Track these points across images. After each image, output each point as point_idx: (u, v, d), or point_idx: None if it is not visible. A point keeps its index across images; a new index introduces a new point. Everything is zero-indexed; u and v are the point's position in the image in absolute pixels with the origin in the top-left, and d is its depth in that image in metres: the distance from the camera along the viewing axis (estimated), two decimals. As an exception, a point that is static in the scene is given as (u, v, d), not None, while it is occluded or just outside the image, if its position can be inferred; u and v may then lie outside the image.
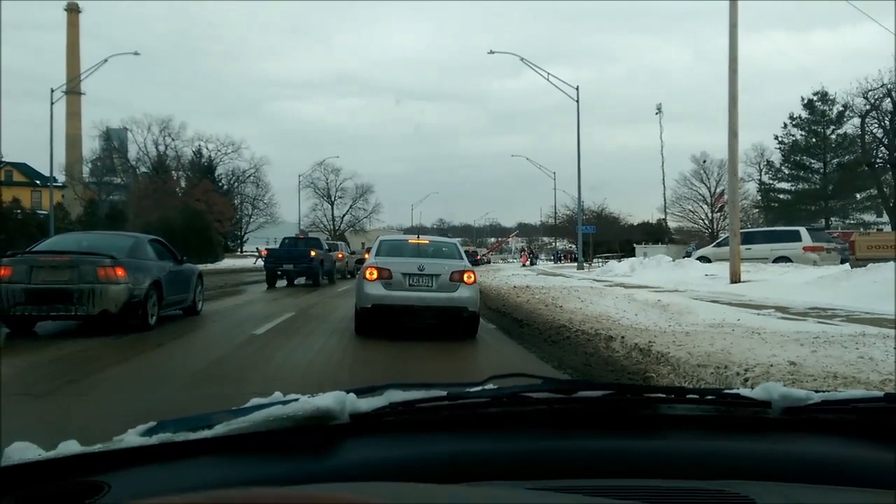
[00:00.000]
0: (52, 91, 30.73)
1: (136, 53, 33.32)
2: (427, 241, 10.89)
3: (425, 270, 9.18)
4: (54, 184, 35.85)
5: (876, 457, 1.14)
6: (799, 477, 1.07)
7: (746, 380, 4.99)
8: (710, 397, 1.31)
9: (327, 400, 1.14)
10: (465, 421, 1.22)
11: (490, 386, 1.27)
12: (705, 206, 60.14)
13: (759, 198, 56.86)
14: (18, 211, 32.57)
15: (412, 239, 10.91)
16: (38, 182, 59.68)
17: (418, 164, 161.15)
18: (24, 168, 63.31)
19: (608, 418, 1.24)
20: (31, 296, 8.83)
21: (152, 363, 7.43)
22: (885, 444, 1.18)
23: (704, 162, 59.26)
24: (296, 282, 23.04)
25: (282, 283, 22.51)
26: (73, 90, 49.28)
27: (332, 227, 75.21)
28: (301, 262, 22.28)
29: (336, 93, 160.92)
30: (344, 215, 77.54)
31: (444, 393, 1.21)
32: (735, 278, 15.75)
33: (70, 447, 1.09)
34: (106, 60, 31.63)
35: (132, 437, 1.14)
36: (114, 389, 5.97)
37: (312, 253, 22.57)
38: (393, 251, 10.09)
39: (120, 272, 9.12)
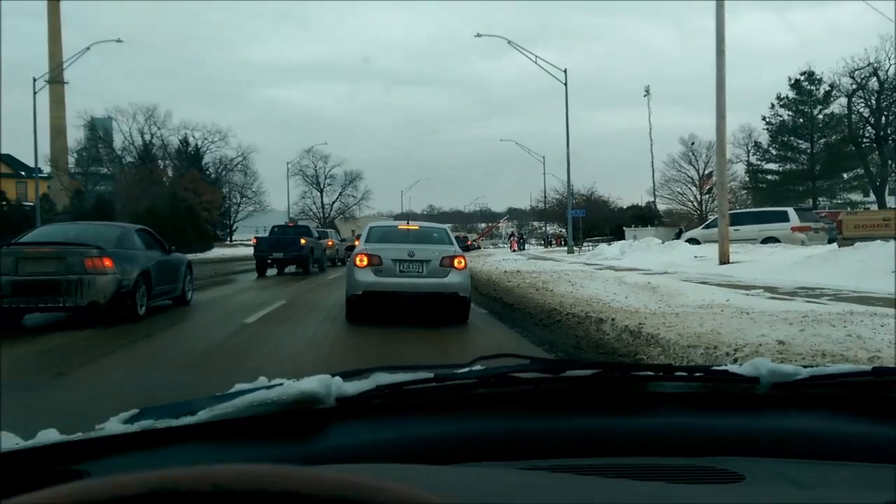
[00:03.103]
0: (35, 80, 30.19)
1: (118, 41, 32.89)
2: (417, 227, 10.86)
3: (415, 256, 9.15)
4: (39, 174, 35.43)
5: (864, 431, 1.13)
6: (788, 452, 1.06)
7: (736, 360, 5.01)
8: (698, 374, 1.31)
9: (312, 384, 1.12)
10: (453, 402, 1.21)
11: (477, 367, 1.26)
12: (694, 189, 60.33)
13: (748, 179, 57.05)
14: (4, 203, 32.22)
15: (402, 225, 10.87)
16: (22, 173, 58.92)
17: (408, 149, 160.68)
18: (7, 159, 62.40)
19: (596, 397, 1.23)
20: (18, 288, 8.73)
21: (141, 353, 7.39)
22: (873, 418, 1.18)
23: (693, 144, 59.41)
24: (286, 270, 22.97)
25: (272, 271, 22.43)
26: (55, 79, 48.69)
27: (321, 214, 74.87)
28: (291, 251, 22.18)
29: (322, 78, 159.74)
30: (333, 202, 77.24)
31: (431, 375, 1.20)
32: (724, 259, 15.83)
33: (49, 436, 1.07)
34: (88, 48, 31.21)
35: (114, 425, 1.12)
36: (102, 380, 5.93)
37: (302, 241, 22.46)
38: (383, 238, 10.05)
39: (108, 262, 9.03)
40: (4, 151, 62.57)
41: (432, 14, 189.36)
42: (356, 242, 12.73)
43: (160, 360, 6.99)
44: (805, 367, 1.31)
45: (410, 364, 1.25)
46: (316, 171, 74.94)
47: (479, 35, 32.42)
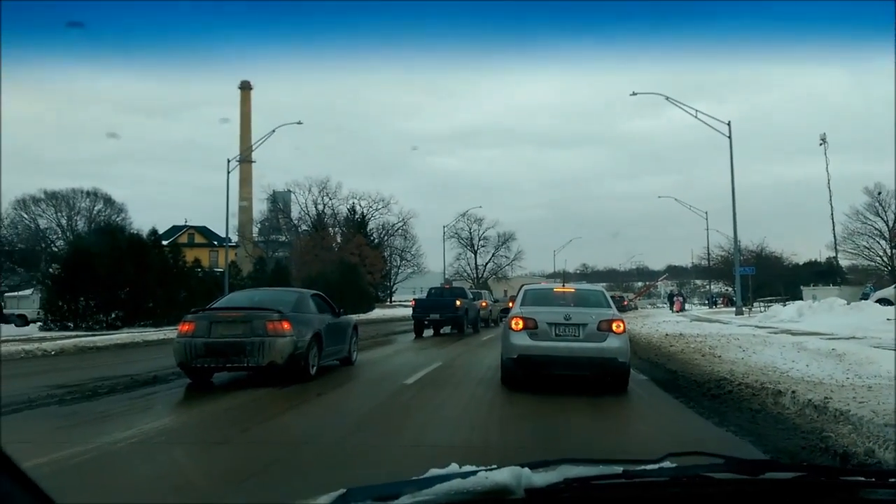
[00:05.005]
0: (229, 161, 33.91)
1: (299, 123, 36.12)
2: (573, 290, 10.74)
3: (572, 320, 9.03)
4: (229, 244, 39.41)
5: None
6: None
7: (951, 446, 4.39)
8: (916, 482, 1.19)
9: (504, 475, 1.17)
10: (643, 501, 1.19)
11: (667, 464, 1.24)
12: (883, 242, 54.24)
13: (949, 231, 50.47)
14: (199, 270, 36.18)
15: (557, 287, 10.82)
16: (215, 243, 66.20)
17: (560, 209, 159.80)
18: (204, 231, 70.66)
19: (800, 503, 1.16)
20: (210, 349, 9.67)
21: (315, 412, 7.86)
22: None
23: (879, 194, 53.69)
24: (442, 331, 23.51)
25: (429, 332, 23.06)
26: (245, 159, 54.52)
27: (475, 275, 76.32)
28: (447, 312, 22.76)
29: (475, 144, 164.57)
30: (487, 263, 78.66)
31: (619, 470, 1.20)
32: (926, 323, 14.00)
33: None
34: (274, 131, 34.54)
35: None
36: (283, 437, 6.37)
37: (458, 302, 22.98)
38: (538, 300, 10.03)
39: (286, 326, 9.78)
40: (201, 224, 71.04)
41: (580, 73, 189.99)
42: (510, 304, 12.80)
43: (331, 419, 7.37)
44: None
45: (597, 458, 1.26)
46: (470, 233, 77.13)
47: (634, 94, 31.96)
